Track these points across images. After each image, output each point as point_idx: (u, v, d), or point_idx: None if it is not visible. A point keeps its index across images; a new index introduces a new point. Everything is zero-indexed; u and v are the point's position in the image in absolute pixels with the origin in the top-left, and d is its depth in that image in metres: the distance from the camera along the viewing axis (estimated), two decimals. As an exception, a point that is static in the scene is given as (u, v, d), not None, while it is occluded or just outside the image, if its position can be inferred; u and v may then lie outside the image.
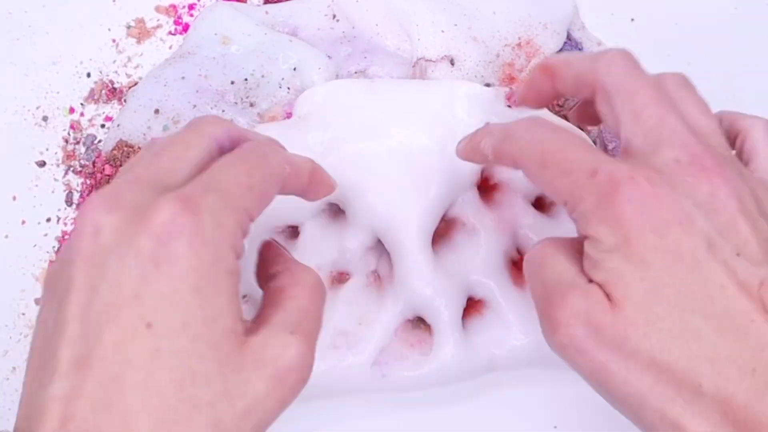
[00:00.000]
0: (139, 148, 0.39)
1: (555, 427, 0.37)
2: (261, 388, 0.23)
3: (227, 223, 0.23)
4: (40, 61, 0.42)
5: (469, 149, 0.30)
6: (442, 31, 0.38)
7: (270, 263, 0.28)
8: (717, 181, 0.24)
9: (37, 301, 0.39)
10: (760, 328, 0.22)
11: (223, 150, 0.26)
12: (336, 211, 0.37)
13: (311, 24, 0.38)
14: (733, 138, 0.29)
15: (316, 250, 0.36)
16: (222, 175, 0.24)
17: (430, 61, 0.38)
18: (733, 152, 0.28)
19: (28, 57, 0.42)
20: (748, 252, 0.23)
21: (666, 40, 0.42)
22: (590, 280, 0.24)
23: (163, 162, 0.24)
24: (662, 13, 0.43)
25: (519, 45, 0.40)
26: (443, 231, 0.37)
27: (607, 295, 0.24)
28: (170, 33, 0.42)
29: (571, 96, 0.31)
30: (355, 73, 0.37)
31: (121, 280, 0.22)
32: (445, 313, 0.36)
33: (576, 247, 0.26)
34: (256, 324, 0.25)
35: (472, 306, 0.37)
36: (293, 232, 0.37)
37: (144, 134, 0.39)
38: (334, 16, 0.39)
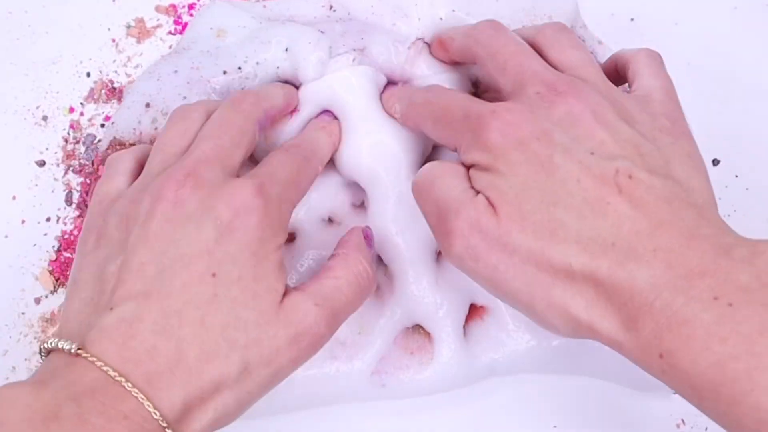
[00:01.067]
0: (131, 144, 0.39)
1: (555, 427, 0.37)
2: (282, 343, 0.28)
3: (285, 210, 0.30)
4: (40, 60, 0.42)
5: (386, 108, 0.36)
6: (441, 18, 0.38)
7: (339, 244, 0.32)
8: (571, 101, 0.28)
9: (37, 301, 0.39)
10: (617, 209, 0.26)
11: (263, 127, 0.33)
12: (332, 220, 0.37)
13: (308, 14, 0.38)
14: (624, 71, 0.32)
15: (312, 255, 0.36)
16: (281, 171, 0.31)
17: (428, 44, 0.38)
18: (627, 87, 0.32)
19: (28, 57, 0.42)
20: (604, 150, 0.27)
21: (666, 40, 0.42)
22: (477, 193, 0.28)
23: (225, 146, 0.30)
24: (662, 13, 0.43)
25: None
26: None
27: (490, 203, 0.27)
28: (170, 33, 0.42)
29: (462, 62, 0.36)
30: (354, 50, 0.36)
31: (198, 238, 0.27)
32: (446, 323, 0.35)
33: (460, 170, 0.30)
34: (296, 289, 0.29)
35: (472, 310, 0.36)
36: (289, 237, 0.37)
37: (134, 129, 0.39)
38: (331, 7, 0.38)
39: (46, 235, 0.40)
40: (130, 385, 0.25)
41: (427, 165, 0.31)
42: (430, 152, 0.37)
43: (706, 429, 0.38)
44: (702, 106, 0.41)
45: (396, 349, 0.36)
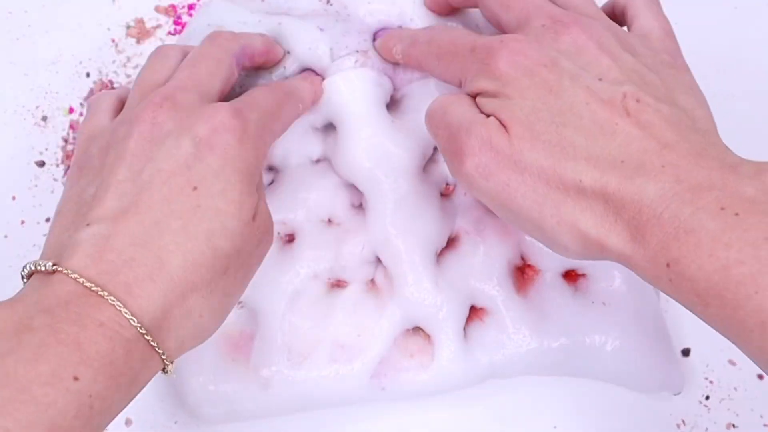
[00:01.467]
0: None
1: (555, 427, 0.37)
2: (254, 248, 0.29)
3: (263, 135, 0.30)
4: (40, 61, 0.42)
5: (384, 51, 0.36)
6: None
7: None
8: (576, 30, 0.29)
9: (36, 301, 0.39)
10: (625, 129, 0.26)
11: (240, 63, 0.33)
12: (331, 220, 0.37)
13: (305, 7, 0.38)
14: (621, 15, 0.33)
15: (312, 256, 0.36)
16: (262, 100, 0.31)
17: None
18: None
19: (28, 57, 0.42)
20: (611, 77, 0.28)
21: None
22: (487, 116, 0.29)
23: (202, 74, 0.31)
24: (662, 13, 0.43)
25: None
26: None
27: (502, 124, 0.28)
28: (170, 33, 0.42)
29: (462, 6, 0.36)
30: (357, 52, 0.36)
31: (176, 153, 0.28)
32: (447, 325, 0.35)
33: (469, 98, 0.30)
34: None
35: (472, 312, 0.36)
36: (289, 238, 0.37)
37: None
38: (328, 1, 0.38)
39: (45, 235, 0.40)
40: (105, 293, 0.25)
41: (439, 96, 0.31)
42: (431, 154, 0.37)
43: (706, 429, 0.38)
44: (702, 106, 0.41)
45: (396, 351, 0.36)
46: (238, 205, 0.28)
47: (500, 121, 0.28)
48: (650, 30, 0.31)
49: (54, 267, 0.25)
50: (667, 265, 0.24)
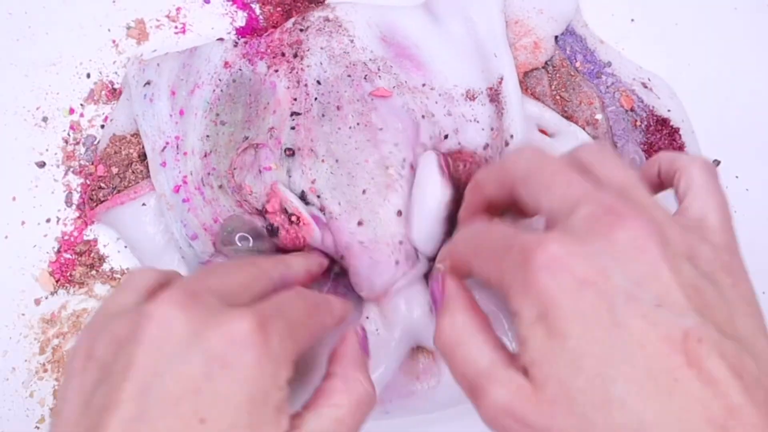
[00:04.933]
0: (132, 136, 0.39)
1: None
2: None
3: (288, 348, 0.26)
4: (40, 61, 0.42)
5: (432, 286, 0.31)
6: None
7: (335, 359, 0.29)
8: (634, 225, 0.23)
9: (37, 302, 0.39)
10: (685, 387, 0.21)
11: (276, 290, 0.29)
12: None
13: None
14: (671, 177, 0.28)
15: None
16: (288, 309, 0.27)
17: None
18: (665, 193, 0.28)
19: (28, 57, 0.42)
20: (671, 301, 0.22)
21: (666, 40, 0.42)
22: (510, 364, 0.24)
23: (233, 284, 0.27)
24: (662, 13, 0.43)
25: (507, 23, 0.40)
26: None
27: (531, 377, 0.23)
28: (171, 33, 0.42)
29: (501, 200, 0.30)
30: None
31: (185, 371, 0.24)
32: None
33: (483, 321, 0.26)
34: (294, 421, 0.26)
35: None
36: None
37: (133, 120, 0.39)
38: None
39: (45, 236, 0.40)
40: None
41: (446, 317, 0.27)
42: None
43: (706, 430, 0.38)
44: (702, 106, 0.41)
45: (401, 374, 0.35)
46: None
47: (530, 372, 0.23)
48: (708, 214, 0.26)
49: None
50: None
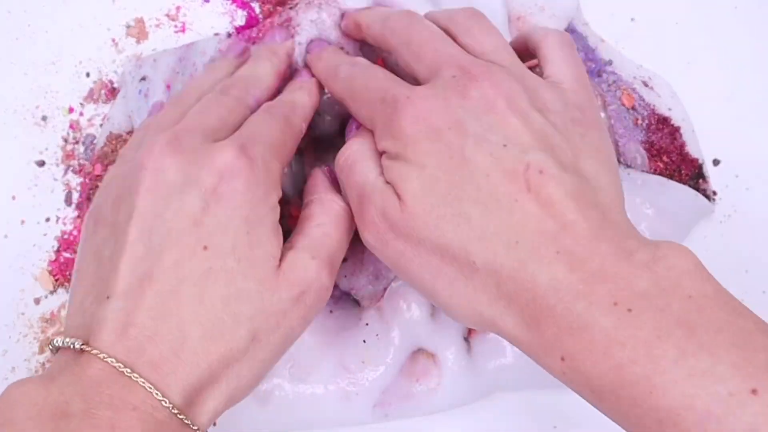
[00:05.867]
0: (128, 133, 0.39)
1: (555, 427, 0.37)
2: (288, 306, 0.27)
3: (273, 168, 0.29)
4: (40, 60, 0.42)
5: (312, 68, 0.35)
6: None
7: (308, 191, 0.32)
8: (485, 85, 0.28)
9: (36, 301, 0.39)
10: (524, 206, 0.25)
11: (251, 110, 0.32)
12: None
13: None
14: (534, 50, 0.32)
15: None
16: (263, 130, 0.30)
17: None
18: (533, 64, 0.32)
19: (28, 56, 0.42)
20: (518, 141, 0.26)
21: (666, 40, 0.42)
22: (387, 181, 0.28)
23: (211, 120, 0.30)
24: (662, 13, 0.43)
25: (509, 18, 0.40)
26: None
27: (397, 194, 0.27)
28: (171, 32, 0.42)
29: (376, 47, 0.35)
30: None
31: (184, 208, 0.26)
32: (451, 347, 0.35)
33: (375, 158, 0.30)
34: (289, 248, 0.29)
35: None
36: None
37: (129, 117, 0.39)
38: None
39: (45, 235, 0.40)
40: (135, 375, 0.24)
41: (350, 144, 0.31)
42: None
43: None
44: (702, 105, 0.41)
45: (401, 377, 0.35)
46: (250, 261, 0.27)
47: (396, 191, 0.27)
48: (563, 78, 0.30)
49: (82, 346, 0.25)
50: (562, 358, 0.24)
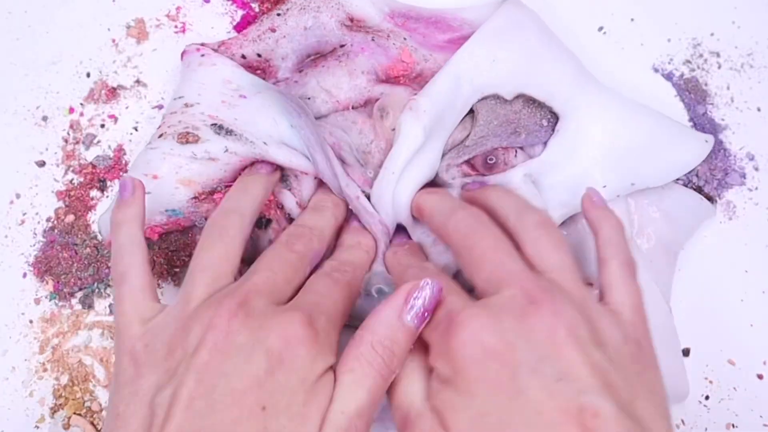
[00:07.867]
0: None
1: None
2: None
3: (332, 335, 0.30)
4: (40, 61, 0.42)
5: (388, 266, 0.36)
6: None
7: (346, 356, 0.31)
8: (544, 312, 0.27)
9: (36, 301, 0.39)
10: None
11: (312, 264, 0.33)
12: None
13: None
14: (592, 232, 0.32)
15: None
16: (328, 301, 0.31)
17: None
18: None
19: (28, 57, 0.42)
20: (574, 377, 0.25)
21: (666, 40, 0.42)
22: (433, 407, 0.27)
23: (278, 282, 0.30)
24: (662, 13, 0.43)
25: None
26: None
27: (442, 423, 0.26)
28: (171, 33, 0.42)
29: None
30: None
31: (248, 371, 0.27)
32: None
33: (423, 372, 0.29)
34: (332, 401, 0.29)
35: None
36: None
37: None
38: None
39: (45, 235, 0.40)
40: None
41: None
42: None
43: (705, 429, 0.38)
44: (702, 106, 0.41)
45: None
46: (301, 418, 0.27)
47: (443, 422, 0.26)
48: (622, 308, 0.29)
49: None
50: None
